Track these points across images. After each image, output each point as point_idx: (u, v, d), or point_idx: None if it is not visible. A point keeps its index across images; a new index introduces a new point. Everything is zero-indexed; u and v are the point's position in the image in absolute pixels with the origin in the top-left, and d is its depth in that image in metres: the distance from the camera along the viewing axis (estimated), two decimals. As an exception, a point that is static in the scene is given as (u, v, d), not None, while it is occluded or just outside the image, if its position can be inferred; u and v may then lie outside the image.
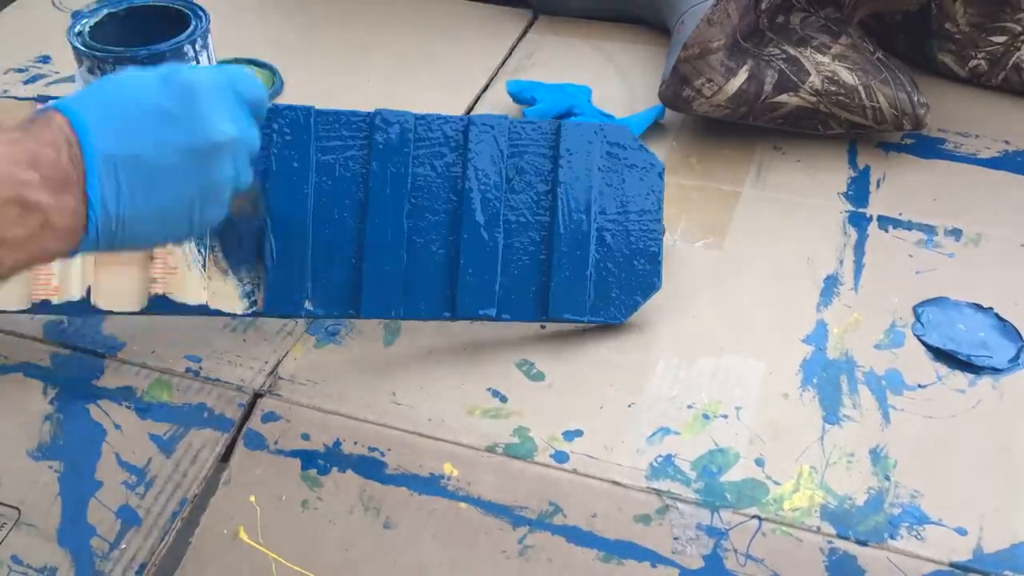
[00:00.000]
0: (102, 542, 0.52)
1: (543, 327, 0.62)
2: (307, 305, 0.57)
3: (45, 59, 0.87)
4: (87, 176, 0.39)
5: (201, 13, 0.70)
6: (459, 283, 0.58)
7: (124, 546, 0.52)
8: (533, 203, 0.59)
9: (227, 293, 0.58)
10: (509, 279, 0.58)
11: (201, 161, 0.42)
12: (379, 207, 0.57)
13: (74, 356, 0.60)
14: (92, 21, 0.69)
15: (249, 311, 0.58)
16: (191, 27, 0.68)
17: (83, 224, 0.40)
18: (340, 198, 0.57)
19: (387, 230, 0.57)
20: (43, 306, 0.57)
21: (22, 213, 0.38)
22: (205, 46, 0.69)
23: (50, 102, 0.41)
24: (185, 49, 0.67)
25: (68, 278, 0.57)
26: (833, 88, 0.72)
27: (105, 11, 0.70)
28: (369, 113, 0.58)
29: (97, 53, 0.66)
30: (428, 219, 0.58)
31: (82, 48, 0.66)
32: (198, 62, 0.68)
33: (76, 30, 0.67)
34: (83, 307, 0.57)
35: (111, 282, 0.58)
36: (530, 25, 0.92)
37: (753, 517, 0.51)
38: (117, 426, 0.57)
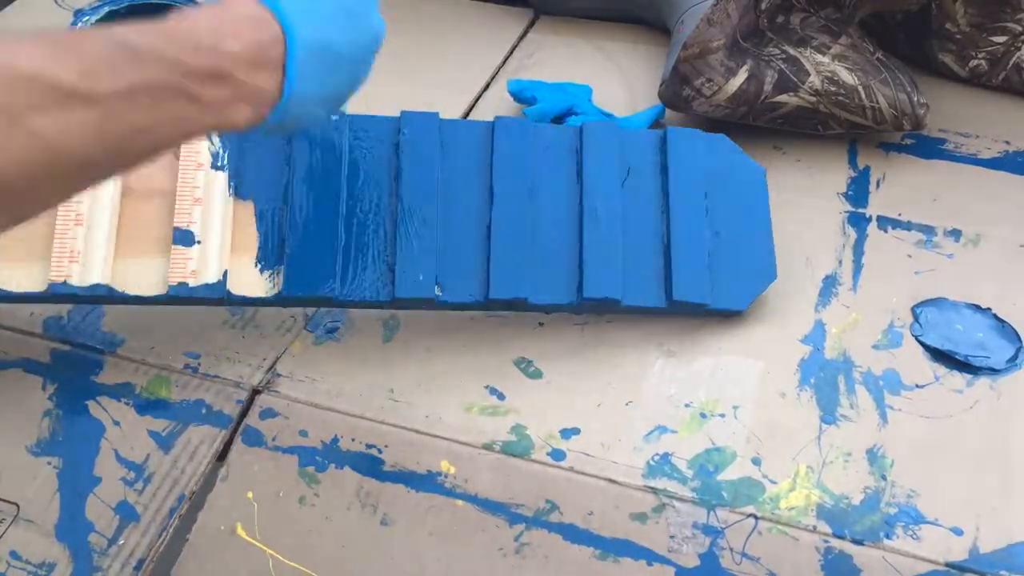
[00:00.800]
0: (100, 538, 0.52)
1: (541, 324, 0.62)
2: (436, 291, 0.59)
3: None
4: (287, 58, 0.43)
5: (202, 11, 0.70)
6: (585, 270, 0.59)
7: (122, 542, 0.52)
8: (647, 200, 0.62)
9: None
10: (633, 267, 0.60)
11: (370, 53, 0.49)
12: (505, 198, 0.60)
13: (74, 352, 0.61)
14: (94, 18, 0.69)
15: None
16: (192, 25, 0.68)
17: (273, 100, 0.44)
18: (468, 188, 0.61)
19: (516, 220, 0.60)
20: (180, 288, 0.57)
21: (219, 82, 0.41)
22: (206, 44, 0.69)
23: None
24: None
25: (206, 262, 0.58)
26: (833, 88, 0.72)
27: (107, 8, 0.70)
28: (490, 123, 0.63)
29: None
30: (552, 212, 0.61)
31: (83, 45, 0.66)
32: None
33: (78, 27, 0.68)
34: (219, 289, 0.57)
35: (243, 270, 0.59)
36: (531, 25, 0.92)
37: (749, 516, 0.51)
38: (116, 422, 0.57)
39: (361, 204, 0.60)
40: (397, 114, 0.62)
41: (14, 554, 0.52)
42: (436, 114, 0.62)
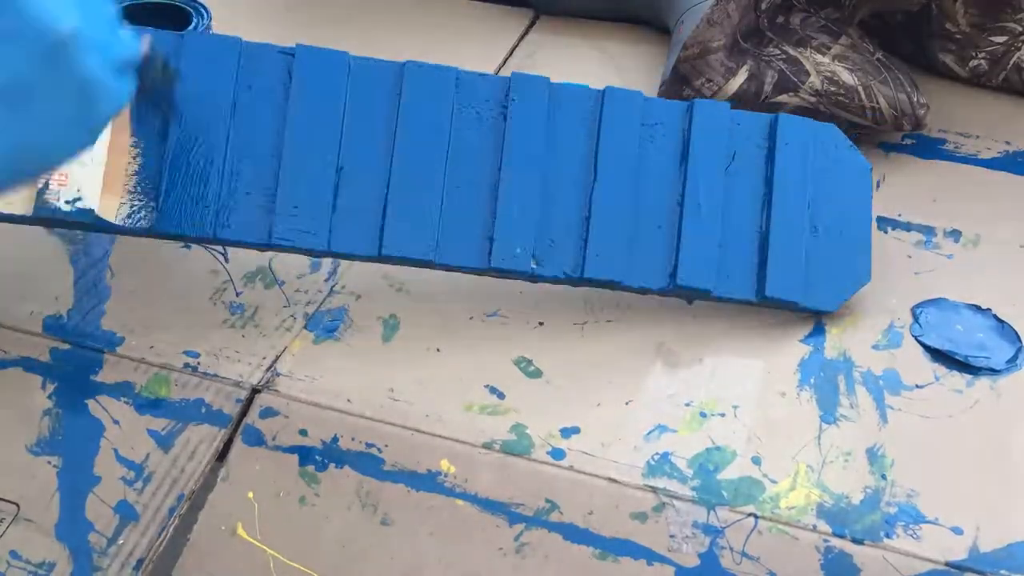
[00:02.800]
0: (100, 537, 0.52)
1: (541, 323, 0.62)
2: (532, 264, 0.59)
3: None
4: None
5: (203, 10, 0.70)
6: (680, 256, 0.59)
7: (122, 541, 0.52)
8: (748, 188, 0.61)
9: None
10: (728, 257, 0.60)
11: (53, 65, 0.35)
12: (610, 176, 0.59)
13: (73, 351, 0.61)
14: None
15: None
16: (192, 24, 0.68)
17: None
18: (572, 162, 0.60)
19: (617, 199, 0.59)
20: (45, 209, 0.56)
21: None
22: (206, 43, 0.69)
23: None
24: (186, 46, 0.67)
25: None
26: (833, 88, 0.72)
27: (106, 8, 0.70)
28: (600, 91, 0.61)
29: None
30: (654, 194, 0.60)
31: (83, 45, 0.66)
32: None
33: None
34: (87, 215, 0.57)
35: None
36: (531, 25, 0.92)
37: (749, 515, 0.51)
38: (116, 421, 0.57)
39: (458, 169, 0.58)
40: None
41: (14, 554, 0.52)
42: (546, 79, 0.61)
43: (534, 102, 0.60)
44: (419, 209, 0.58)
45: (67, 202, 0.56)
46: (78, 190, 0.56)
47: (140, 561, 0.51)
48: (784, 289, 0.60)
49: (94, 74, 0.37)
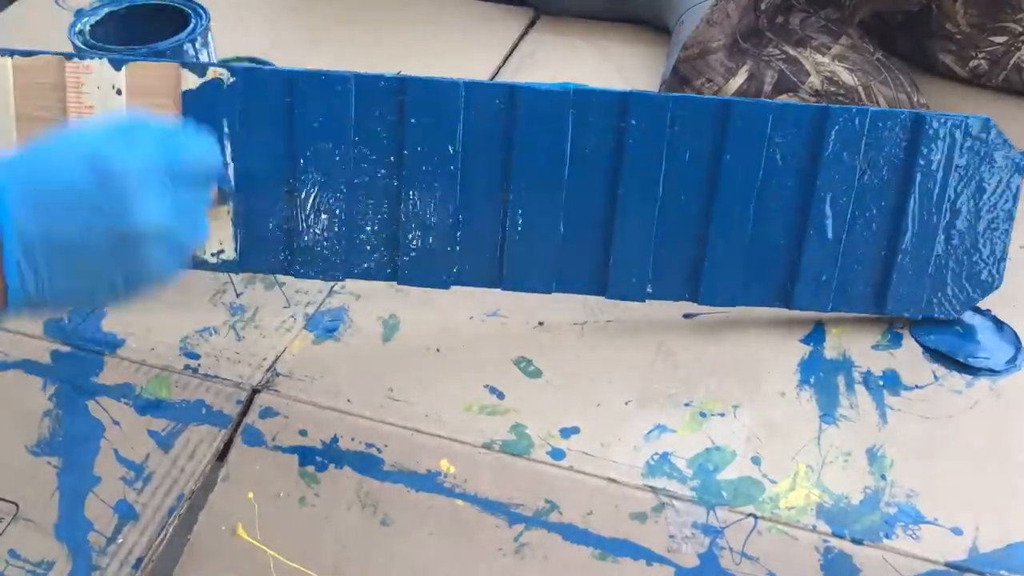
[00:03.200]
0: (99, 537, 0.52)
1: (541, 323, 0.62)
2: (648, 289, 0.58)
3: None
4: (4, 259, 0.38)
5: (201, 11, 0.70)
6: (798, 275, 0.57)
7: (121, 540, 0.52)
8: (879, 196, 0.57)
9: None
10: (846, 272, 0.58)
11: (124, 249, 0.40)
12: (727, 196, 0.57)
13: (74, 353, 0.61)
14: (93, 20, 0.69)
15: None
16: (191, 26, 0.68)
17: (1, 302, 0.39)
18: (687, 186, 0.57)
19: (733, 220, 0.57)
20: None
21: None
22: (205, 44, 0.69)
23: None
24: (185, 48, 0.67)
25: None
26: (833, 88, 0.72)
27: (106, 10, 0.70)
28: (723, 100, 0.57)
29: (98, 52, 0.66)
30: (773, 210, 0.57)
31: (83, 47, 0.67)
32: (198, 60, 0.68)
33: (77, 29, 0.68)
34: None
35: None
36: (531, 24, 0.92)
37: (749, 515, 0.51)
38: (116, 422, 0.57)
39: (578, 193, 0.56)
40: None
41: (13, 553, 0.52)
42: (667, 97, 0.56)
43: (655, 123, 0.56)
44: (539, 241, 0.57)
45: (212, 255, 0.57)
46: (220, 243, 0.57)
47: (139, 560, 0.51)
48: (906, 305, 0.59)
49: (153, 264, 0.41)
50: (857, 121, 0.56)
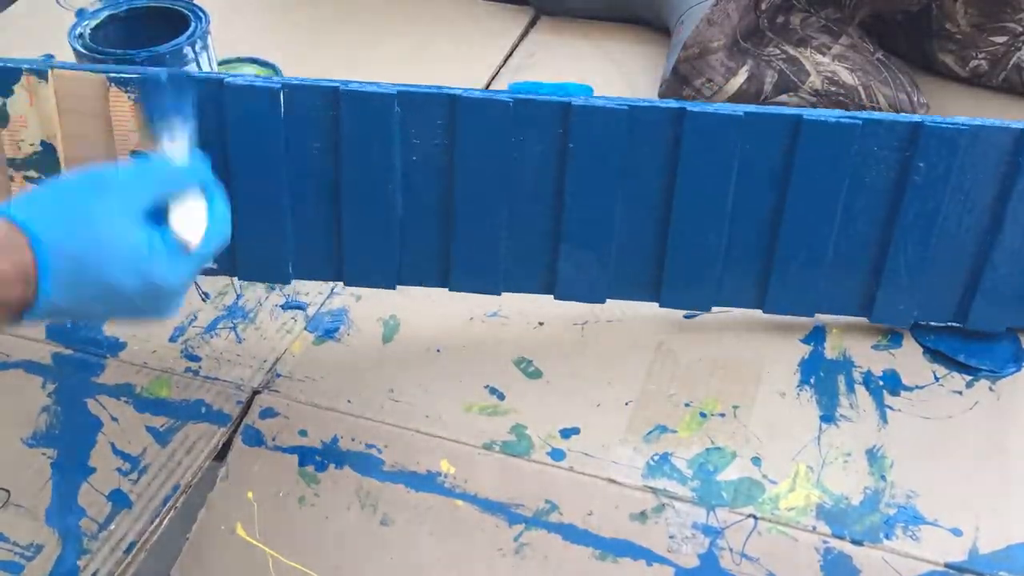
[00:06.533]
0: (91, 523, 0.52)
1: (541, 323, 0.62)
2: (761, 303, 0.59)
3: (48, 59, 0.88)
4: (40, 278, 0.40)
5: (201, 14, 0.70)
6: (881, 287, 0.57)
7: (113, 527, 0.52)
8: (977, 209, 0.55)
9: None
10: (930, 286, 0.58)
11: (145, 292, 0.43)
12: (801, 208, 0.56)
13: (75, 355, 0.61)
14: (93, 23, 0.69)
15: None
16: (191, 28, 0.68)
17: (27, 306, 0.40)
18: (755, 198, 0.56)
19: (807, 232, 0.56)
20: None
21: None
22: (205, 47, 0.69)
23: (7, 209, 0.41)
24: (185, 51, 0.67)
25: None
26: (833, 88, 0.72)
27: (106, 12, 0.70)
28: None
29: (98, 55, 0.66)
30: (859, 226, 0.56)
31: (83, 50, 0.67)
32: (198, 64, 0.68)
33: (77, 32, 0.68)
34: None
35: None
36: (531, 24, 0.92)
37: (749, 516, 0.51)
38: (114, 418, 0.57)
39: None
40: None
41: (2, 536, 0.52)
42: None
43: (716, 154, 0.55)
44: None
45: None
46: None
47: (131, 545, 0.51)
48: (990, 320, 0.58)
49: (173, 301, 0.44)
50: (953, 134, 0.54)
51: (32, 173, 0.57)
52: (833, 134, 0.54)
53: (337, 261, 0.58)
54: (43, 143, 0.56)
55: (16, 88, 0.55)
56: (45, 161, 0.57)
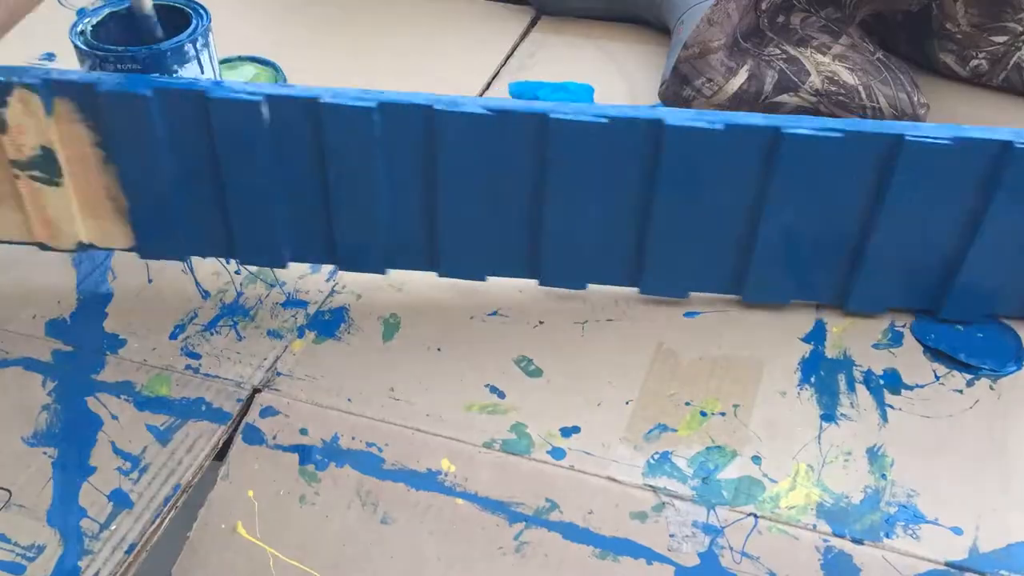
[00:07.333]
0: (92, 523, 0.52)
1: (541, 323, 0.62)
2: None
3: (50, 56, 0.88)
4: None
5: (202, 11, 0.70)
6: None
7: (114, 527, 0.52)
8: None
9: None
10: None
11: None
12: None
13: (75, 352, 0.61)
14: (94, 20, 0.69)
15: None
16: (192, 25, 0.68)
17: None
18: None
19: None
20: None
21: None
22: (206, 45, 0.69)
23: None
24: (186, 48, 0.67)
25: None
26: (833, 88, 0.72)
27: (107, 10, 0.70)
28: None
29: (99, 52, 0.66)
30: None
31: (84, 48, 0.67)
32: (199, 61, 0.68)
33: (78, 29, 0.68)
34: None
35: None
36: (532, 24, 0.92)
37: (749, 515, 0.51)
38: (114, 416, 0.57)
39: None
40: None
41: (3, 537, 0.52)
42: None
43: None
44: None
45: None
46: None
47: (132, 545, 0.51)
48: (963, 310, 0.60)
49: None
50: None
51: (36, 173, 0.58)
52: (812, 147, 0.54)
53: (330, 248, 0.61)
54: (42, 148, 0.57)
55: (10, 100, 0.56)
56: (47, 163, 0.57)
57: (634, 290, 0.62)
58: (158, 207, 0.60)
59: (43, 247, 0.62)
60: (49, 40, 0.90)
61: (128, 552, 0.51)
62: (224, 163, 0.58)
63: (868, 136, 0.54)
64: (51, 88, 0.56)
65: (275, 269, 0.65)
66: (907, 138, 0.54)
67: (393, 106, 0.56)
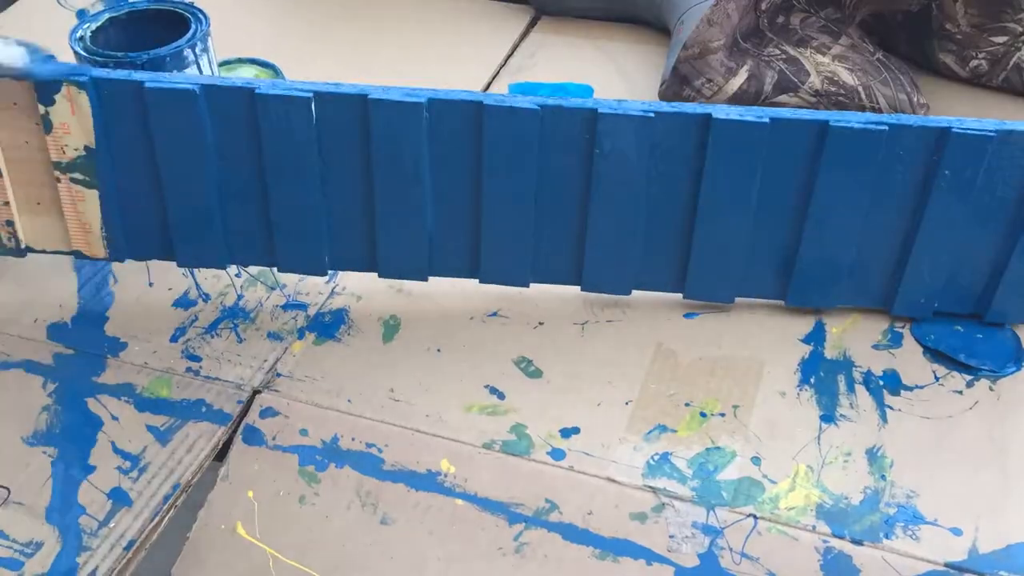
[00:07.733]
0: (91, 520, 0.52)
1: (541, 323, 0.62)
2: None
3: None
4: None
5: (201, 16, 0.70)
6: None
7: (113, 525, 0.52)
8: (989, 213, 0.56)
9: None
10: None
11: None
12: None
13: (76, 355, 0.61)
14: (94, 25, 0.69)
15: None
16: (191, 30, 0.68)
17: None
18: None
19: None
20: None
21: None
22: (205, 49, 0.69)
23: None
24: (185, 53, 0.67)
25: None
26: (833, 89, 0.72)
27: (107, 15, 0.70)
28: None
29: (99, 58, 0.66)
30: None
31: (84, 53, 0.67)
32: (198, 66, 0.69)
33: (78, 35, 0.68)
34: None
35: None
36: (532, 24, 0.92)
37: (749, 516, 0.51)
38: (115, 417, 0.57)
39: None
40: None
41: (1, 534, 0.52)
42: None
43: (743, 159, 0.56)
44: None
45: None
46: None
47: (131, 543, 0.51)
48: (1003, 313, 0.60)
49: None
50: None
51: (78, 175, 0.58)
52: (858, 140, 0.54)
53: (371, 255, 0.60)
54: (86, 148, 0.57)
55: (57, 98, 0.55)
56: (89, 164, 0.57)
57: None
58: (198, 212, 0.59)
59: (79, 255, 0.61)
60: (47, 42, 0.89)
61: (127, 549, 0.51)
62: (269, 165, 0.57)
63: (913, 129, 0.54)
64: (99, 86, 0.56)
65: (275, 271, 0.65)
66: (954, 131, 0.54)
67: (441, 103, 0.55)
